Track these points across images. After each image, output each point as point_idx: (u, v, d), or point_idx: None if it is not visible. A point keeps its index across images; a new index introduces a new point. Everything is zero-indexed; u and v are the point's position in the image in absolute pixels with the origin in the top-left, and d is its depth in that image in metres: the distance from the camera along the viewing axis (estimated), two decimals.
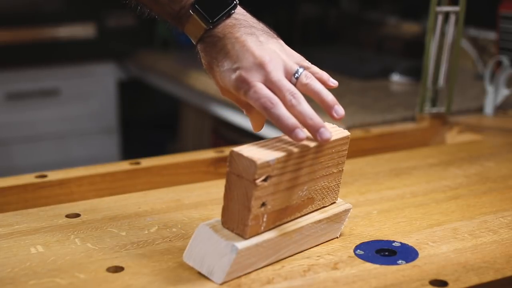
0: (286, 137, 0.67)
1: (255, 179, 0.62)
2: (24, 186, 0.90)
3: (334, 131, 0.70)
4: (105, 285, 0.64)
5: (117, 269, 0.67)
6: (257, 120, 0.75)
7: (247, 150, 0.63)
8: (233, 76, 0.68)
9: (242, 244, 0.64)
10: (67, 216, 0.81)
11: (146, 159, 1.00)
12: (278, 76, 0.67)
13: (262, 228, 0.66)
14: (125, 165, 0.97)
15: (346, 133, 0.71)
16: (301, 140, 0.64)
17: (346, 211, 0.74)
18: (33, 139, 2.18)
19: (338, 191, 0.74)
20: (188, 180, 0.98)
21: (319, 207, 0.72)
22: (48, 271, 0.67)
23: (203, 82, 1.79)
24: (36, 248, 0.72)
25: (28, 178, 0.92)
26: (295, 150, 0.65)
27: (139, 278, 0.65)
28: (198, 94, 1.88)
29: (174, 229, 0.77)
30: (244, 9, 0.73)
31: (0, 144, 2.14)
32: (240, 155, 0.62)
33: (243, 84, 0.67)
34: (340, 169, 0.73)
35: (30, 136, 2.18)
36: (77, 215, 0.81)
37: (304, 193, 0.69)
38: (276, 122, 0.65)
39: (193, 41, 0.73)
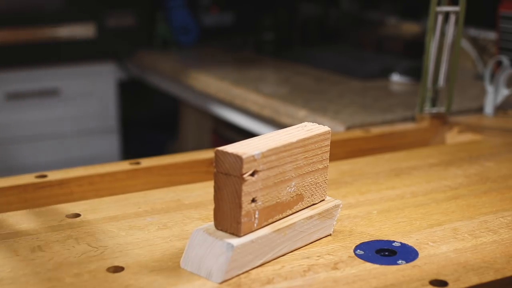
0: (269, 135, 0.69)
1: (242, 174, 0.63)
2: (24, 186, 0.90)
3: (315, 128, 0.72)
4: (105, 285, 0.64)
5: (117, 269, 0.67)
6: None
7: (232, 148, 0.65)
8: None
9: (237, 242, 0.64)
10: (67, 216, 0.81)
11: (146, 159, 1.00)
12: None
13: (255, 225, 0.67)
14: (125, 165, 0.97)
15: (326, 128, 0.73)
16: None
17: (336, 206, 0.76)
18: (33, 139, 2.18)
19: (326, 188, 0.76)
20: (188, 180, 0.98)
21: (309, 204, 0.74)
22: (48, 271, 0.67)
23: (203, 82, 1.79)
24: (36, 248, 0.72)
25: (28, 178, 0.92)
26: (279, 145, 0.67)
27: (139, 278, 0.65)
28: (198, 94, 1.88)
29: (174, 229, 0.77)
30: None
31: (0, 144, 2.14)
32: (225, 153, 0.64)
33: None
34: (325, 165, 0.74)
35: (30, 136, 2.17)
36: (77, 215, 0.81)
37: (292, 189, 0.70)
38: None
39: None
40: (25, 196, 0.90)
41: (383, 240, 0.75)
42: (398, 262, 0.70)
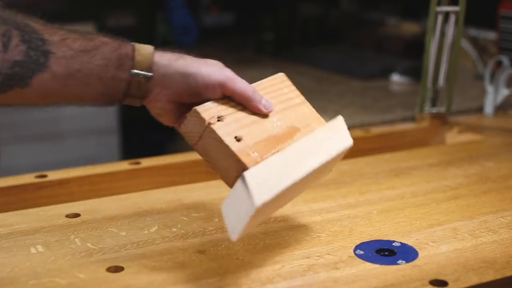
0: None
1: (209, 123, 0.65)
2: (24, 186, 0.90)
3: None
4: (105, 285, 0.64)
5: (117, 269, 0.67)
6: None
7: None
8: (224, 72, 0.70)
9: (248, 171, 0.63)
10: (67, 216, 0.81)
11: (146, 159, 1.00)
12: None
13: (258, 159, 0.66)
14: (125, 165, 0.97)
15: (279, 75, 0.75)
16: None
17: (337, 119, 0.78)
18: (33, 139, 2.18)
19: (321, 117, 0.76)
20: (188, 180, 0.98)
21: (310, 132, 0.73)
22: (48, 271, 0.67)
23: None
24: (36, 248, 0.72)
25: (28, 178, 0.92)
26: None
27: (139, 278, 0.65)
28: None
29: (174, 229, 0.77)
30: None
31: (0, 144, 2.14)
32: (185, 121, 0.66)
33: (233, 77, 0.70)
34: (302, 99, 0.75)
35: (30, 136, 2.17)
36: (77, 215, 0.81)
37: (279, 123, 0.71)
38: (257, 109, 0.70)
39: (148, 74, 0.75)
40: (25, 196, 0.90)
41: (383, 240, 0.75)
42: (398, 262, 0.70)
